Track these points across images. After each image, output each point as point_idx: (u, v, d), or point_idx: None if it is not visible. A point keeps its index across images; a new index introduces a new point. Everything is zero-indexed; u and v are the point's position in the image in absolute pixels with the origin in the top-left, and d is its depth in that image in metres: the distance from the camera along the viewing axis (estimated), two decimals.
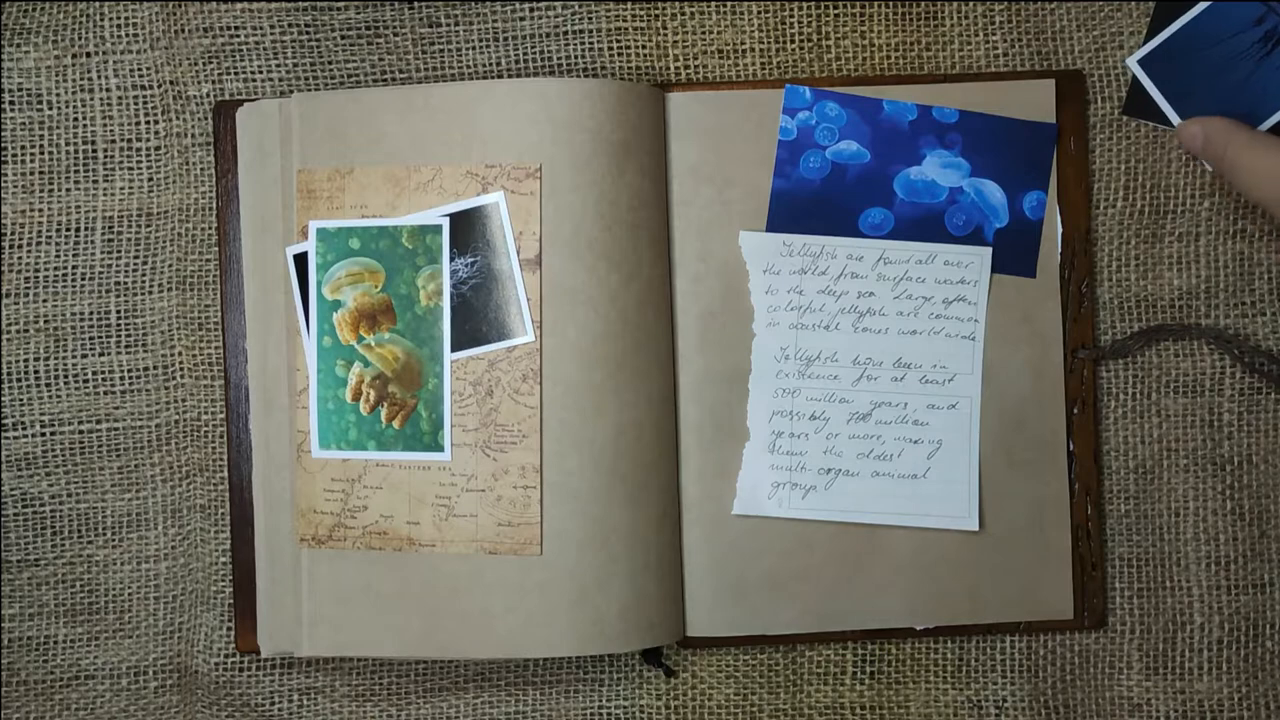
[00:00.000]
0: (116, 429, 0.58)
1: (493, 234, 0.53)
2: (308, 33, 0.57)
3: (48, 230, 0.58)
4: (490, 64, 0.57)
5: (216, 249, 0.57)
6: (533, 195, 0.53)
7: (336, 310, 0.54)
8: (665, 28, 0.57)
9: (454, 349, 0.53)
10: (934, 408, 0.56)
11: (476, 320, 0.53)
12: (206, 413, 0.57)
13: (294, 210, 0.55)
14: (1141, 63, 0.57)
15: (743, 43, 0.57)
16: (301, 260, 0.54)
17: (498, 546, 0.53)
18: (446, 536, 0.54)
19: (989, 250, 0.56)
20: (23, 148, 0.58)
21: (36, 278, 0.58)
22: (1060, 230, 0.56)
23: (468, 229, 0.53)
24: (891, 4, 0.57)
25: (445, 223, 0.53)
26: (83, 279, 0.58)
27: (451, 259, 0.53)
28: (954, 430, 0.56)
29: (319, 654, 0.55)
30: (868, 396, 0.56)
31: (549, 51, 0.57)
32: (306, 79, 0.57)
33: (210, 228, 0.57)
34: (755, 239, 0.56)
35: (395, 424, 0.54)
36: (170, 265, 0.58)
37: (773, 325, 0.56)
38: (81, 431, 0.58)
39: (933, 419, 0.56)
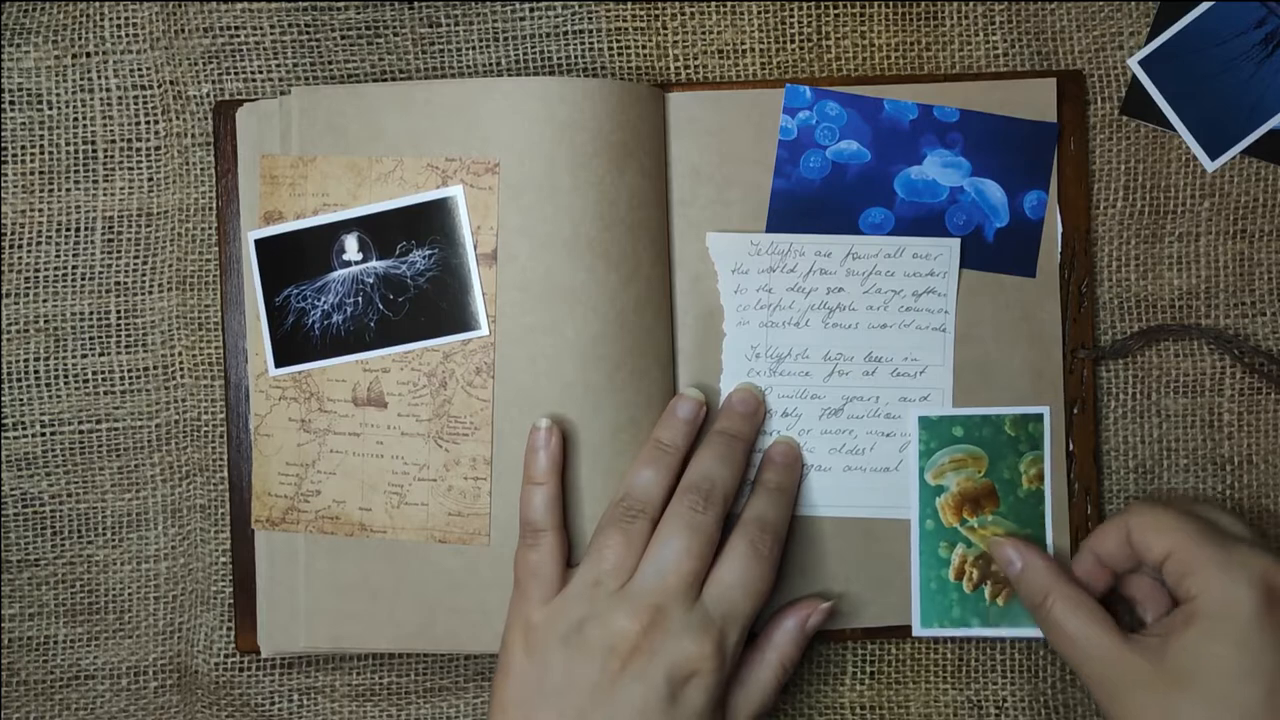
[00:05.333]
0: (116, 429, 0.58)
1: (451, 227, 0.53)
2: (308, 33, 0.57)
3: (48, 230, 0.58)
4: (490, 64, 0.57)
5: (216, 249, 0.57)
6: (491, 190, 0.53)
7: (940, 495, 0.55)
8: (665, 28, 0.57)
9: (410, 340, 0.54)
10: (906, 400, 0.56)
11: (432, 313, 0.54)
12: (206, 413, 0.57)
13: (258, 196, 0.55)
14: (1142, 63, 0.57)
15: (743, 43, 0.57)
16: (263, 245, 0.55)
17: (447, 535, 0.54)
18: (397, 524, 0.54)
19: (958, 241, 0.55)
20: (23, 148, 0.58)
21: (36, 278, 0.58)
22: (1060, 230, 0.56)
23: (426, 221, 0.54)
24: (891, 4, 0.57)
25: (1046, 411, 0.55)
26: (83, 279, 0.58)
27: (409, 251, 0.54)
28: (915, 439, 0.56)
29: (317, 647, 0.55)
30: (839, 392, 0.56)
31: (549, 51, 0.57)
32: (306, 79, 0.57)
33: (210, 228, 0.57)
34: (722, 239, 0.56)
35: (999, 601, 0.55)
36: (170, 265, 0.58)
37: (743, 324, 0.56)
38: (81, 431, 0.58)
39: (905, 412, 0.56)
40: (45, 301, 0.58)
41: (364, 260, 0.54)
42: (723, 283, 0.56)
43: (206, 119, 0.57)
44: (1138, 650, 0.48)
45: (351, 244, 0.54)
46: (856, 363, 0.56)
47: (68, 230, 0.58)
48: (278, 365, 0.55)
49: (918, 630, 0.55)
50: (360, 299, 0.54)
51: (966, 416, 0.55)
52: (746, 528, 0.51)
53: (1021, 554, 0.52)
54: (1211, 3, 0.56)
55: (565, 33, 0.57)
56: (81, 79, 0.58)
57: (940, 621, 0.55)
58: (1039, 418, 0.55)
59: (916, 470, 0.55)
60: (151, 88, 0.58)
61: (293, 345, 0.55)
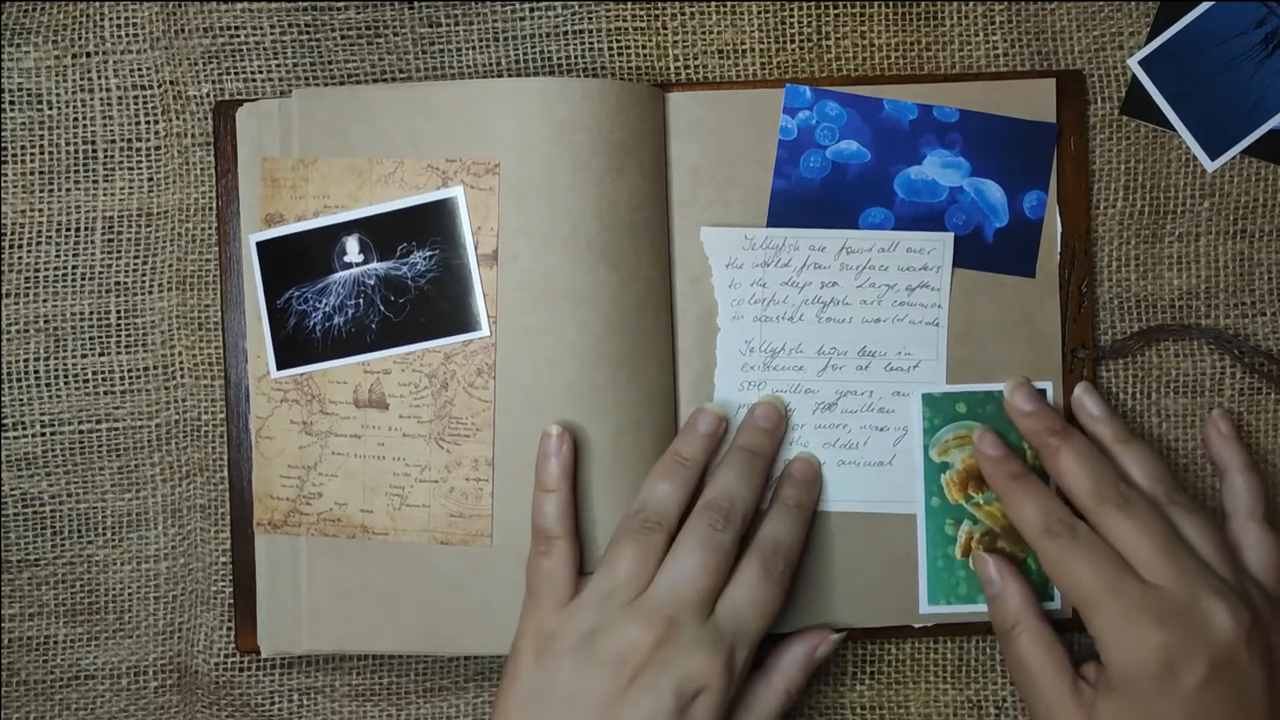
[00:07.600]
0: (116, 429, 0.58)
1: (451, 228, 0.53)
2: (308, 33, 0.57)
3: (48, 230, 0.58)
4: (490, 64, 0.57)
5: (216, 249, 0.57)
6: (491, 191, 0.53)
7: (945, 472, 0.55)
8: (665, 28, 0.57)
9: (412, 341, 0.54)
10: (899, 394, 0.56)
11: (433, 314, 0.54)
12: (206, 413, 0.57)
13: (259, 199, 0.55)
14: (1142, 63, 0.57)
15: (743, 43, 0.57)
16: (264, 247, 0.55)
17: (449, 537, 0.54)
18: (399, 525, 0.54)
19: (951, 236, 0.56)
20: (23, 148, 0.57)
21: (36, 278, 0.58)
22: (1060, 230, 0.56)
23: (427, 223, 0.54)
24: (891, 4, 0.57)
25: (1049, 386, 0.55)
26: (83, 279, 0.58)
27: (410, 252, 0.54)
28: (919, 417, 0.56)
29: (319, 649, 0.55)
30: (833, 386, 0.56)
31: (549, 51, 0.57)
32: (306, 79, 0.57)
33: (210, 228, 0.57)
34: (717, 234, 0.56)
35: None
36: (170, 265, 0.58)
37: (737, 319, 0.56)
38: (81, 431, 0.58)
39: (898, 406, 0.56)
40: (45, 301, 0.58)
41: (365, 262, 0.54)
42: (717, 277, 0.56)
43: (206, 119, 0.57)
44: (1080, 702, 0.49)
45: (352, 246, 0.54)
46: (850, 357, 0.56)
47: (68, 230, 0.58)
48: (280, 368, 0.55)
49: (924, 608, 0.55)
50: (361, 300, 0.54)
51: (970, 393, 0.55)
52: (760, 547, 0.51)
53: (1001, 576, 0.53)
54: (1211, 3, 0.56)
55: (565, 33, 0.57)
56: (81, 79, 0.57)
57: (947, 598, 0.55)
58: (1042, 393, 0.55)
59: (921, 450, 0.55)
60: (151, 88, 0.58)
61: (294, 347, 0.55)
